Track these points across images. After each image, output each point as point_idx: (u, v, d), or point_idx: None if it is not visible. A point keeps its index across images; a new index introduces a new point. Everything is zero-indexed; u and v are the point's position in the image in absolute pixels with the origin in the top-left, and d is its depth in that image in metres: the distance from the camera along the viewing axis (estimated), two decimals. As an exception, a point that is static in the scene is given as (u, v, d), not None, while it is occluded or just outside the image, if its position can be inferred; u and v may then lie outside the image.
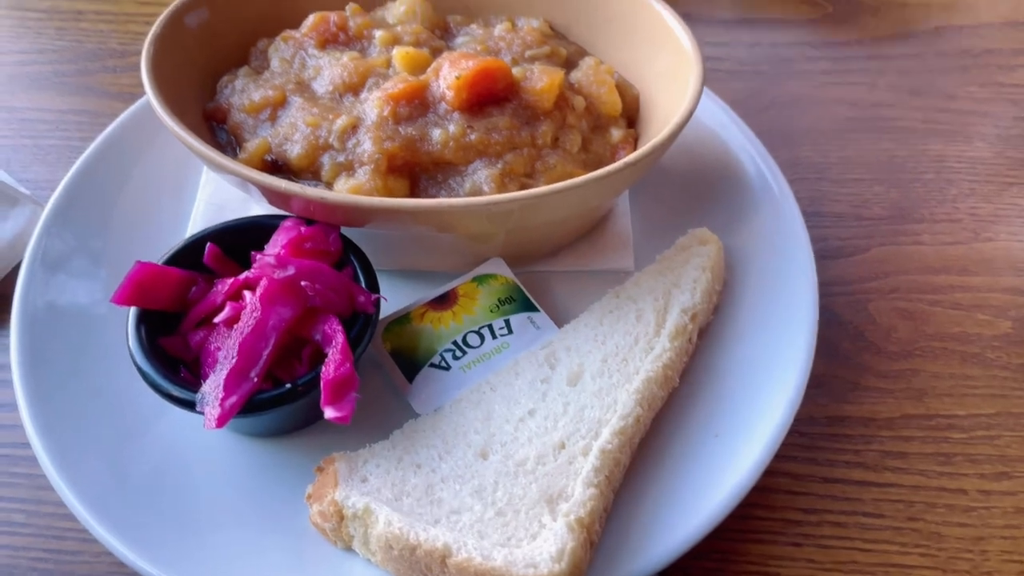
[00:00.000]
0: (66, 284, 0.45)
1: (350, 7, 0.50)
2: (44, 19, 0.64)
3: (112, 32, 0.63)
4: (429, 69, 0.45)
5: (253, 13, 0.50)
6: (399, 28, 0.48)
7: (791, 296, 0.45)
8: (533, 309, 0.44)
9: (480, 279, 0.45)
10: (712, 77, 0.56)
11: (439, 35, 0.50)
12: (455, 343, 0.43)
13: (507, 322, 0.44)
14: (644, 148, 0.41)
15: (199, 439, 0.41)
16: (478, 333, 0.43)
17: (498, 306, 0.44)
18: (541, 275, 0.47)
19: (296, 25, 0.50)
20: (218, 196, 0.48)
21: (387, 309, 0.43)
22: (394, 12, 0.50)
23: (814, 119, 0.59)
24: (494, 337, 0.43)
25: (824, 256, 0.51)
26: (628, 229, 0.49)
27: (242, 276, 0.40)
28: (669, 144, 0.42)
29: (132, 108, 0.52)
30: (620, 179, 0.41)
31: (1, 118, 0.58)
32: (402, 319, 0.44)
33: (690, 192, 0.51)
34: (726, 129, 0.53)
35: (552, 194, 0.39)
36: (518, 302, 0.45)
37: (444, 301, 0.44)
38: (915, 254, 0.52)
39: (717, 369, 0.43)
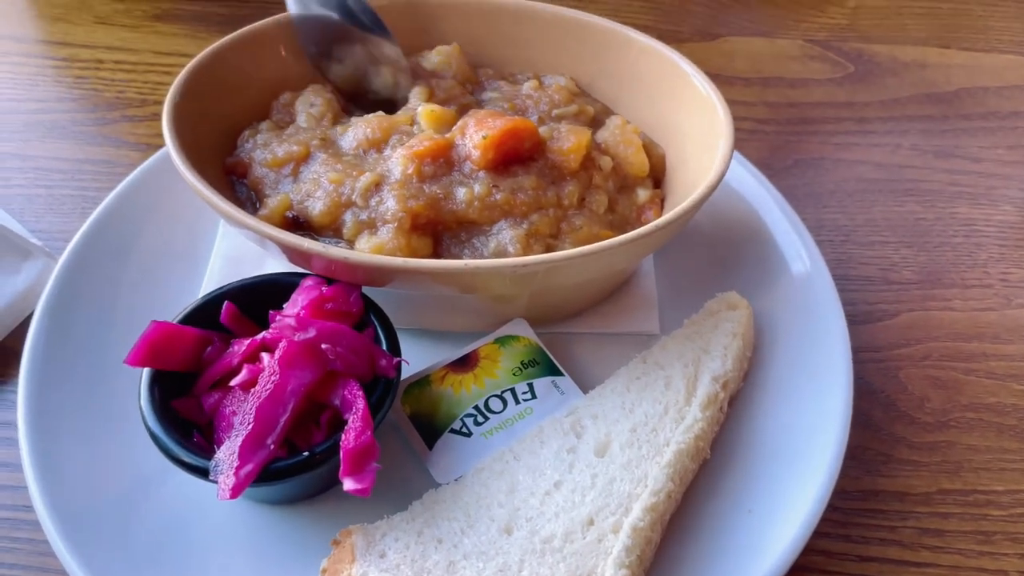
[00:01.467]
0: (77, 340, 0.44)
1: None
2: (63, 67, 0.64)
3: (131, 81, 0.62)
4: (455, 127, 0.44)
5: (276, 67, 0.50)
6: (433, 82, 0.48)
7: (824, 363, 0.43)
8: (557, 373, 0.43)
9: (502, 340, 0.44)
10: (735, 137, 0.55)
11: (469, 89, 0.49)
12: (476, 408, 0.41)
13: (530, 386, 0.42)
14: (672, 213, 0.40)
15: (209, 505, 0.39)
16: (500, 397, 0.42)
17: (521, 369, 0.43)
18: (565, 337, 0.46)
19: (319, 80, 0.49)
20: (235, 251, 0.47)
21: (407, 370, 0.42)
22: (430, 60, 0.49)
23: (838, 179, 0.58)
24: (517, 402, 0.42)
25: (853, 321, 0.49)
26: (653, 291, 0.48)
27: (260, 337, 0.39)
28: (697, 208, 0.41)
29: (149, 160, 0.52)
30: (647, 243, 0.40)
31: (15, 166, 0.57)
32: (422, 382, 0.43)
33: (716, 253, 0.50)
34: (752, 189, 0.52)
35: (578, 257, 0.38)
36: (542, 365, 0.43)
37: (465, 363, 0.43)
38: (946, 320, 0.51)
39: (749, 440, 0.42)
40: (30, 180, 0.56)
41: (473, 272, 0.38)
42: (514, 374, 0.43)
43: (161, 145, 0.51)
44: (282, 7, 0.50)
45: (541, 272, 0.39)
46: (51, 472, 0.39)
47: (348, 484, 0.35)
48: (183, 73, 0.46)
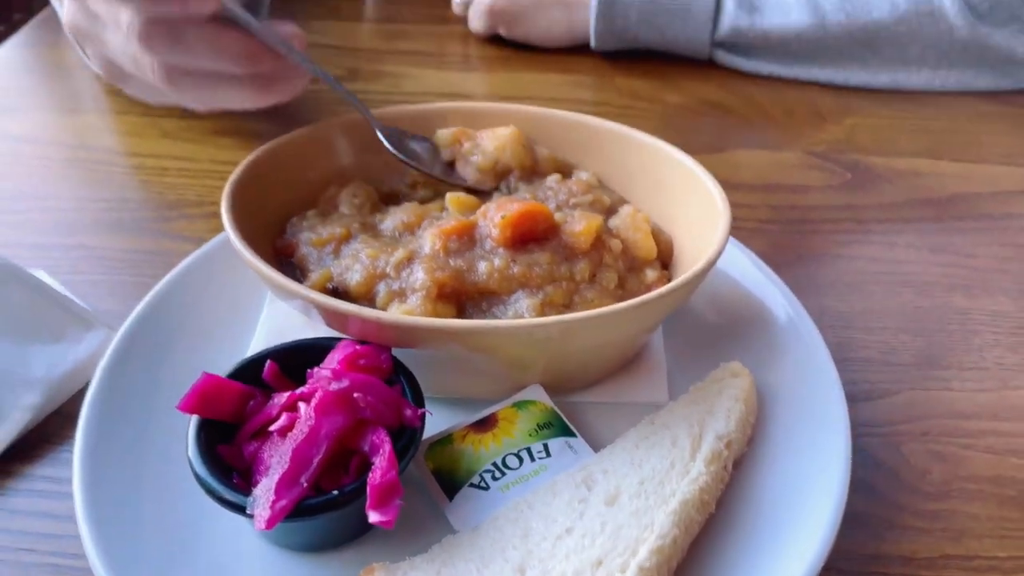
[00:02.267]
0: (130, 403, 0.48)
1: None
2: (130, 172, 0.71)
3: (190, 185, 0.69)
4: (479, 211, 0.49)
5: (323, 166, 0.56)
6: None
7: (824, 429, 0.46)
8: (571, 434, 0.46)
9: (520, 404, 0.47)
10: (738, 234, 0.60)
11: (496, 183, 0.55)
12: (494, 464, 0.44)
13: (545, 446, 0.45)
14: (676, 281, 0.44)
15: (247, 552, 0.42)
16: (517, 456, 0.45)
17: (537, 431, 0.46)
18: (578, 405, 0.49)
19: (365, 177, 0.55)
20: (279, 324, 0.52)
21: (431, 429, 0.45)
22: (484, 148, 0.55)
23: (838, 272, 0.62)
24: (532, 460, 0.45)
25: (855, 399, 0.52)
26: (663, 364, 0.51)
27: (298, 391, 0.43)
28: (701, 278, 0.46)
29: (205, 246, 0.57)
30: (654, 308, 0.44)
31: (81, 255, 0.63)
32: (444, 440, 0.46)
33: (722, 332, 0.53)
34: (754, 276, 0.56)
35: (590, 319, 0.42)
36: (556, 427, 0.46)
37: (485, 424, 0.46)
38: (945, 399, 0.53)
39: (752, 499, 0.44)
40: (94, 268, 0.62)
41: (493, 331, 0.42)
42: (530, 435, 0.46)
43: (215, 239, 0.57)
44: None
45: (555, 333, 0.43)
46: (102, 523, 0.42)
47: (373, 516, 0.38)
48: (240, 166, 0.52)
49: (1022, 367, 0.55)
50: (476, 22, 0.84)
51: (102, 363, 0.49)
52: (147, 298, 0.53)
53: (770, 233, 0.65)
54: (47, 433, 0.50)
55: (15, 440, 0.49)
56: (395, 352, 0.45)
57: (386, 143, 0.54)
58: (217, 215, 0.59)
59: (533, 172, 0.55)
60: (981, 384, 0.54)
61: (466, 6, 0.86)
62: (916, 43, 0.77)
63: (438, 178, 0.55)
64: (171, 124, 0.76)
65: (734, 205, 0.52)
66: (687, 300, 0.48)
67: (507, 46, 0.86)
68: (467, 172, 0.55)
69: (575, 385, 0.50)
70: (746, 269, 0.56)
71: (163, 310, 0.53)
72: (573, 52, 0.85)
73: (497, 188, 0.54)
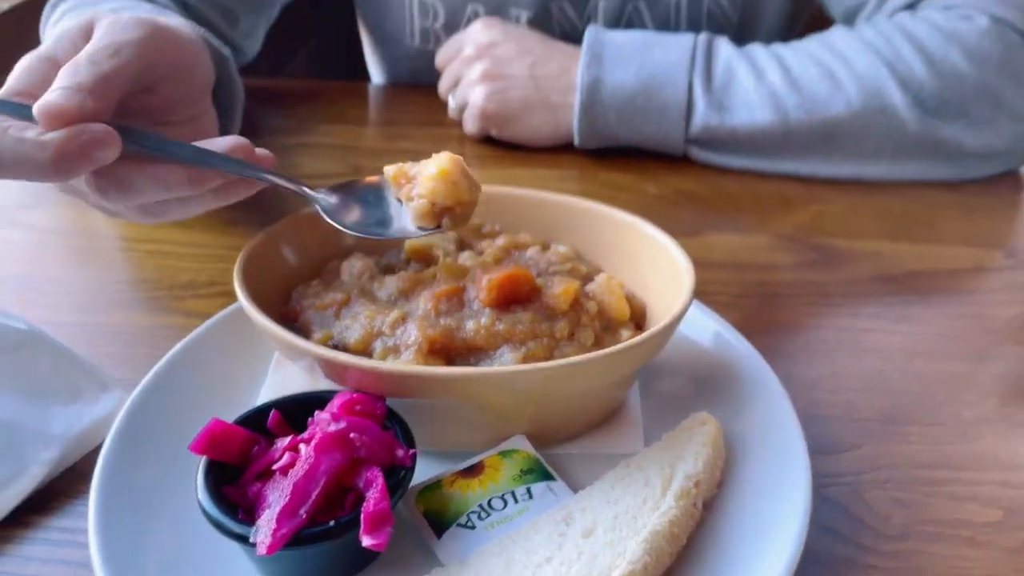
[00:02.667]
0: (144, 457, 0.52)
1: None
2: (146, 256, 0.77)
3: (203, 268, 0.75)
4: (467, 276, 0.54)
5: (326, 244, 0.62)
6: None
7: (787, 474, 0.49)
8: (552, 479, 0.49)
9: (504, 453, 0.51)
10: (712, 307, 0.64)
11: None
12: (480, 506, 0.48)
13: (528, 490, 0.49)
14: (648, 332, 0.49)
15: (245, 583, 0.45)
16: (502, 498, 0.48)
17: (520, 476, 0.49)
18: (559, 456, 0.53)
19: (364, 252, 0.61)
20: (283, 383, 0.56)
21: (423, 476, 0.49)
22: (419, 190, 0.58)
23: (805, 341, 0.67)
24: (516, 502, 0.48)
25: (819, 451, 0.55)
26: (639, 420, 0.55)
27: (300, 436, 0.46)
28: (670, 331, 0.50)
29: (214, 318, 0.62)
30: (628, 358, 0.49)
31: (96, 331, 0.68)
32: (434, 485, 0.49)
33: (693, 391, 0.57)
34: (724, 341, 0.60)
35: (568, 366, 0.47)
36: (538, 473, 0.50)
37: (472, 471, 0.50)
38: (907, 452, 0.57)
39: (721, 536, 0.47)
40: (109, 342, 0.67)
41: (479, 378, 0.47)
42: (514, 480, 0.49)
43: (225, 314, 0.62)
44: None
45: (537, 380, 0.47)
46: (117, 568, 0.45)
47: (366, 540, 0.41)
48: (252, 242, 0.57)
49: (978, 421, 0.59)
50: (470, 124, 0.91)
51: (117, 420, 0.53)
52: (160, 362, 0.57)
53: (741, 306, 0.69)
54: (63, 487, 0.54)
55: (32, 493, 0.52)
56: (389, 403, 0.49)
57: (324, 215, 0.57)
58: (227, 294, 0.64)
59: (478, 233, 0.62)
60: (941, 438, 0.58)
61: (460, 110, 0.93)
62: (872, 137, 0.84)
63: (378, 239, 0.57)
64: (187, 214, 0.82)
65: (708, 282, 0.57)
66: (658, 352, 0.52)
67: (499, 145, 0.94)
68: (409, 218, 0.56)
69: (557, 437, 0.53)
70: (717, 334, 0.61)
71: (175, 373, 0.57)
72: (559, 150, 0.93)
73: (439, 226, 0.55)
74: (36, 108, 0.48)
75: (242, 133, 0.72)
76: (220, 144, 0.53)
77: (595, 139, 0.90)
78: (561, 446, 0.53)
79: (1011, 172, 0.89)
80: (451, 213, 0.54)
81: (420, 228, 0.55)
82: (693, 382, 0.58)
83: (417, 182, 0.54)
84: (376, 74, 1.19)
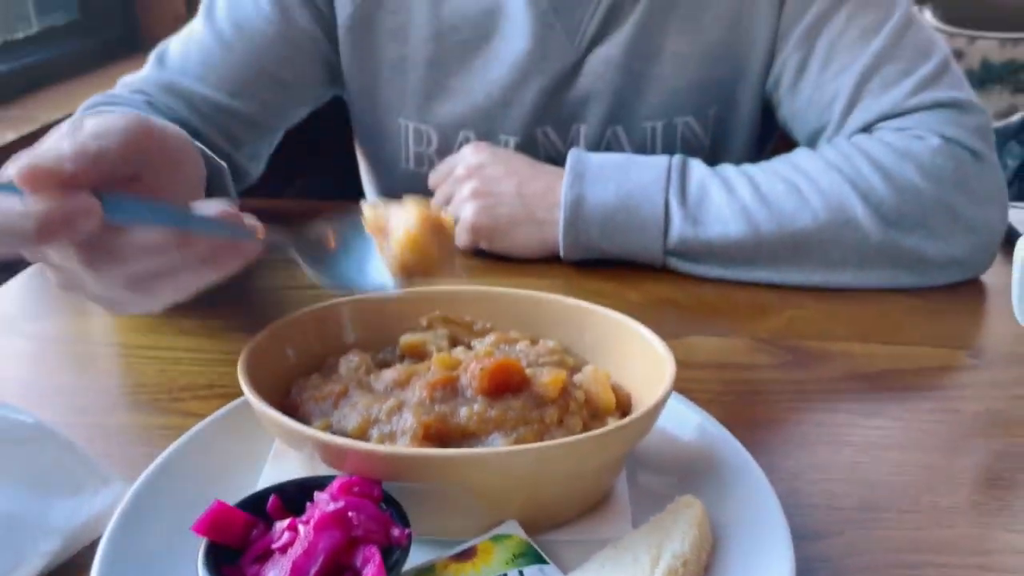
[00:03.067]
0: (142, 547, 0.53)
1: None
2: (147, 362, 0.79)
3: (202, 372, 0.77)
4: (460, 367, 0.57)
5: (324, 341, 0.65)
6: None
7: (772, 559, 0.51)
8: (544, 562, 0.51)
9: (496, 538, 0.52)
10: (692, 403, 0.67)
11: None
12: (472, 588, 0.49)
13: (520, 572, 0.50)
14: (633, 416, 0.52)
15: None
16: (493, 583, 0.49)
17: (512, 559, 0.51)
18: (551, 542, 0.54)
19: (360, 348, 0.64)
20: (282, 474, 0.58)
21: (417, 559, 0.50)
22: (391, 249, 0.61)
23: (785, 435, 0.69)
24: (508, 584, 0.49)
25: (802, 538, 0.57)
26: (627, 507, 0.57)
27: (299, 519, 0.48)
28: (654, 414, 0.53)
29: (214, 415, 0.64)
30: (615, 439, 0.51)
31: (95, 431, 0.69)
32: (428, 570, 0.50)
33: (678, 480, 0.59)
34: (708, 432, 0.63)
35: (557, 446, 0.49)
36: (530, 556, 0.51)
37: (465, 555, 0.51)
38: (886, 537, 0.58)
39: (709, 616, 0.48)
40: (109, 443, 0.68)
41: (473, 459, 0.49)
42: (507, 563, 0.50)
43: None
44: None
45: (527, 460, 0.49)
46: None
47: (364, 608, 0.42)
48: (255, 339, 0.60)
49: (953, 509, 0.61)
50: (461, 238, 0.97)
51: (119, 509, 0.54)
52: (161, 455, 0.59)
53: (723, 403, 0.72)
54: (60, 579, 0.54)
55: (30, 584, 0.53)
56: (385, 488, 0.51)
57: (303, 264, 0.61)
58: (225, 396, 0.66)
59: (470, 330, 0.66)
60: (918, 524, 0.60)
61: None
62: (838, 248, 0.90)
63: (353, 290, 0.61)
64: (188, 323, 0.85)
65: (690, 381, 0.60)
66: (643, 435, 0.55)
67: (489, 258, 0.98)
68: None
69: (548, 523, 0.55)
70: (700, 427, 0.64)
71: (175, 466, 0.59)
72: (546, 262, 0.97)
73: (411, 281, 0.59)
74: (16, 167, 0.50)
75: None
76: (208, 208, 0.56)
77: (579, 252, 0.95)
78: (552, 532, 0.55)
79: (973, 280, 0.94)
80: (425, 271, 0.57)
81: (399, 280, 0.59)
82: (678, 472, 0.60)
83: (390, 239, 0.57)
84: (371, 194, 1.26)
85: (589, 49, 1.05)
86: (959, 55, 3.01)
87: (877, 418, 0.72)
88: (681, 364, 0.59)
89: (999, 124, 1.83)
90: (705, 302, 0.91)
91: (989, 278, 0.94)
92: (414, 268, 0.58)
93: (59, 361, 0.81)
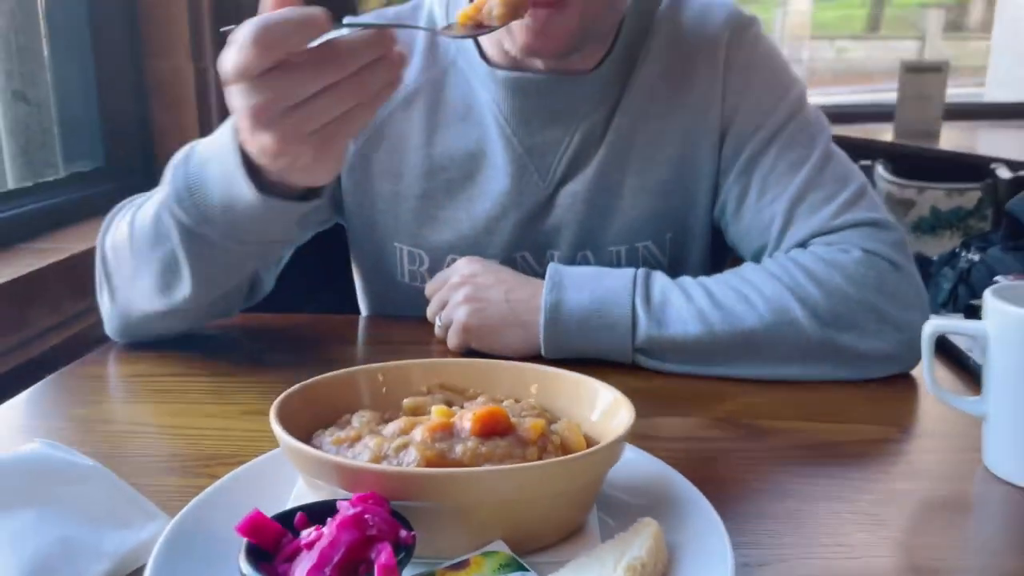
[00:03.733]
0: (182, 573, 0.62)
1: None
2: (176, 438, 0.90)
3: (226, 445, 0.87)
4: (456, 415, 0.69)
5: (339, 401, 0.76)
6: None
7: (714, 564, 0.61)
8: (526, 570, 0.60)
9: (486, 553, 0.62)
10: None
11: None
12: (467, 588, 0.58)
13: (506, 577, 0.60)
14: (600, 444, 0.63)
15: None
16: (484, 584, 0.59)
17: (500, 568, 0.60)
18: (531, 563, 0.64)
19: (370, 408, 0.75)
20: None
21: (418, 568, 0.60)
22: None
23: (735, 488, 0.79)
24: (496, 585, 0.59)
25: (744, 564, 0.67)
26: (597, 536, 0.67)
27: (322, 527, 0.58)
28: (620, 443, 0.65)
29: (239, 468, 0.74)
30: (586, 462, 0.63)
31: (139, 490, 0.79)
32: (429, 575, 0.60)
33: (640, 514, 0.70)
34: (667, 476, 0.74)
35: (534, 467, 0.60)
36: (514, 566, 0.61)
37: (459, 566, 0.61)
38: (816, 565, 0.68)
39: (665, 609, 0.58)
40: (150, 497, 0.78)
41: (466, 477, 0.60)
42: (494, 571, 0.60)
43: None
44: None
45: (513, 478, 0.60)
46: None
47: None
48: (283, 395, 0.72)
49: (868, 544, 0.71)
50: (453, 339, 1.09)
51: (161, 539, 0.64)
52: (197, 497, 0.69)
53: (682, 465, 0.82)
54: (109, 597, 0.63)
55: (84, 599, 0.62)
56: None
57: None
58: (248, 462, 0.76)
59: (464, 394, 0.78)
60: (844, 555, 0.70)
61: (446, 329, 1.11)
62: (783, 345, 1.03)
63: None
64: (212, 407, 0.96)
65: (654, 449, 0.72)
66: (608, 464, 0.66)
67: (478, 356, 1.10)
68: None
69: (530, 546, 0.65)
70: (660, 472, 0.75)
71: (209, 504, 0.69)
72: (529, 359, 1.10)
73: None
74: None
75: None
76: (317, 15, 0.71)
77: (559, 350, 1.08)
78: (533, 555, 0.65)
79: (904, 373, 1.07)
80: None
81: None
82: (640, 508, 0.70)
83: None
84: (365, 309, 1.40)
85: (559, 186, 1.22)
86: (911, 204, 3.27)
87: (817, 477, 0.83)
88: (646, 437, 0.72)
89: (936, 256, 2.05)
90: (669, 390, 1.03)
91: (918, 370, 1.07)
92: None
93: (98, 437, 0.91)
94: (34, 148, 2.23)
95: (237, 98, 0.74)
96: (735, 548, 0.64)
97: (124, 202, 1.14)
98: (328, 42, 0.70)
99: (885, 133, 3.89)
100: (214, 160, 0.89)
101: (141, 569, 0.63)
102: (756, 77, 1.19)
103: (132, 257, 1.03)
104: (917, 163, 3.45)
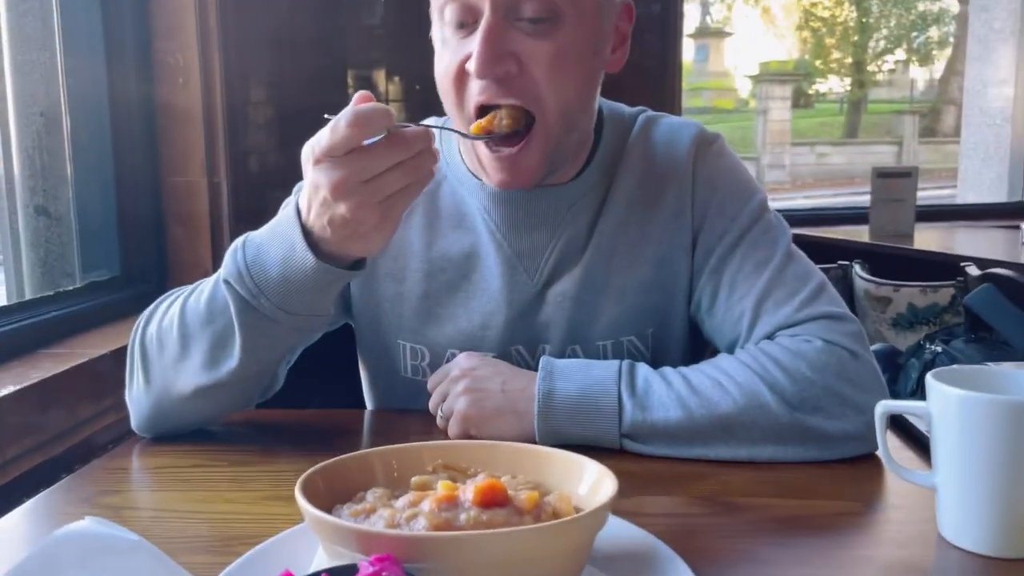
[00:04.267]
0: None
1: None
2: (201, 523, 0.98)
3: (247, 527, 0.95)
4: (460, 490, 0.78)
5: (353, 482, 0.85)
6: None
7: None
8: (523, 623, 0.69)
9: (488, 610, 0.70)
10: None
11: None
12: (472, 638, 0.66)
13: (506, 629, 0.68)
14: (586, 511, 0.72)
15: None
16: (487, 634, 0.67)
17: (500, 622, 0.69)
18: (529, 617, 0.72)
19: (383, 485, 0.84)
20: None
21: (428, 621, 0.68)
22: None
23: (711, 555, 0.88)
24: (498, 635, 0.67)
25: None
26: (586, 596, 0.75)
27: (344, 585, 0.66)
28: (605, 510, 0.74)
29: (265, 543, 0.83)
30: (574, 526, 0.72)
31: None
32: (438, 629, 0.68)
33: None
34: (648, 542, 0.82)
35: (530, 530, 0.69)
36: (513, 619, 0.69)
37: (465, 620, 0.69)
38: (788, 620, 0.76)
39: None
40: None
41: (469, 539, 0.69)
42: (496, 624, 0.68)
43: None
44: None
45: (511, 539, 0.69)
46: None
47: (396, 625, 0.60)
48: (307, 472, 0.81)
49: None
50: (454, 427, 1.18)
51: (199, 602, 0.72)
52: (228, 567, 0.77)
53: (666, 536, 0.91)
54: (150, 656, 0.70)
55: (129, 657, 0.69)
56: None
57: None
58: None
59: (465, 473, 0.87)
60: (812, 609, 0.78)
61: (446, 420, 1.21)
62: (756, 428, 1.12)
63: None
64: (232, 494, 1.05)
65: (642, 523, 0.81)
66: (594, 530, 0.75)
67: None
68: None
69: (526, 602, 0.73)
70: (644, 540, 0.83)
71: (241, 574, 0.77)
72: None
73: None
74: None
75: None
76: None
77: (551, 437, 1.17)
78: (529, 611, 0.73)
79: (868, 453, 1.16)
80: None
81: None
82: (627, 574, 0.79)
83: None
84: (370, 404, 1.49)
85: (547, 286, 1.34)
86: (888, 302, 3.41)
87: (787, 547, 0.91)
88: (633, 513, 0.81)
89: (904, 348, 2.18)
90: (654, 472, 1.11)
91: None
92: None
93: (129, 523, 0.98)
94: (53, 259, 2.36)
95: (321, 175, 0.93)
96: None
97: (161, 298, 1.25)
98: (390, 133, 0.92)
99: (862, 234, 4.07)
100: (274, 240, 1.06)
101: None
102: (721, 187, 1.33)
103: (181, 337, 1.15)
104: (892, 263, 3.61)
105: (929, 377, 0.91)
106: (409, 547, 0.70)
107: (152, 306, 1.25)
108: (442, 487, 0.80)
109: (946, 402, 0.89)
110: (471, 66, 1.14)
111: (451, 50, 1.19)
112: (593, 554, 0.80)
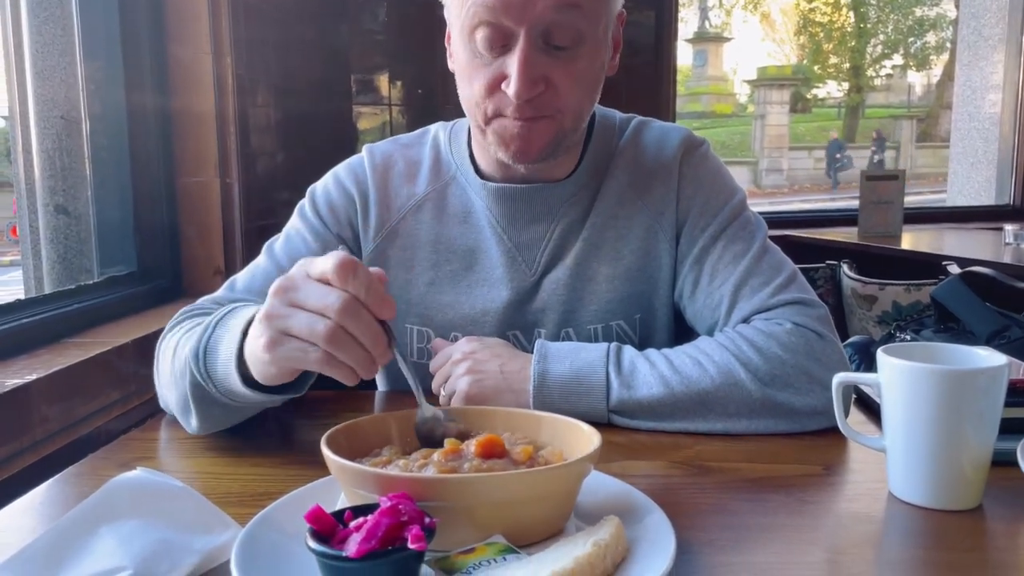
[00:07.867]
0: (252, 566, 0.81)
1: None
2: (232, 481, 1.09)
3: (274, 484, 1.07)
4: (464, 445, 0.89)
5: (371, 440, 0.97)
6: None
7: (659, 560, 0.81)
8: (519, 553, 0.80)
9: (488, 543, 0.82)
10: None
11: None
12: (473, 564, 0.78)
13: (504, 557, 0.79)
14: (572, 459, 0.83)
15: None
16: (488, 560, 0.78)
17: (499, 552, 0.80)
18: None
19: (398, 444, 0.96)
20: (344, 515, 0.87)
21: (436, 555, 0.79)
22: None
23: (687, 508, 0.99)
24: (497, 562, 0.78)
25: (689, 552, 0.87)
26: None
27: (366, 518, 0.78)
28: (593, 457, 0.85)
29: (292, 492, 0.94)
30: (560, 472, 0.83)
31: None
32: (445, 557, 0.79)
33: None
34: (629, 492, 0.94)
35: (521, 473, 0.81)
36: (510, 550, 0.80)
37: (468, 551, 0.80)
38: (749, 562, 0.88)
39: (623, 576, 0.77)
40: (212, 524, 0.97)
41: (470, 480, 0.80)
42: (495, 554, 0.80)
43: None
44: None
45: (509, 481, 0.80)
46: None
47: (412, 544, 0.71)
48: (332, 429, 0.92)
49: (804, 545, 0.91)
50: (455, 405, 1.30)
51: (237, 540, 0.83)
52: (259, 513, 0.89)
53: (647, 492, 1.03)
54: (198, 582, 0.82)
55: (181, 582, 0.81)
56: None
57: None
58: (295, 488, 0.96)
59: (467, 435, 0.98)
60: (775, 549, 0.89)
61: (449, 398, 1.32)
62: (731, 403, 1.24)
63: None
64: (257, 459, 1.16)
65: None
66: (581, 476, 0.86)
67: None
68: None
69: (521, 543, 0.84)
70: (624, 490, 0.94)
71: (270, 518, 0.88)
72: (519, 421, 1.29)
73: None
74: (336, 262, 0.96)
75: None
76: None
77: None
78: (524, 549, 0.84)
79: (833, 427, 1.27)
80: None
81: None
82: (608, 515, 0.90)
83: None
84: (381, 384, 1.61)
85: (543, 275, 1.46)
86: (873, 300, 3.53)
87: (753, 502, 1.02)
88: (618, 476, 0.92)
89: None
90: (638, 443, 1.23)
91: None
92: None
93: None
94: (72, 256, 2.47)
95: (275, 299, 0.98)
96: (685, 545, 0.84)
97: (185, 310, 1.36)
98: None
99: (852, 235, 4.19)
100: (225, 340, 1.08)
101: (220, 565, 0.83)
102: (705, 186, 1.45)
103: (170, 372, 1.25)
104: (879, 263, 3.73)
105: (879, 352, 1.03)
106: (421, 487, 0.81)
107: (175, 319, 1.35)
108: (447, 443, 0.91)
109: (892, 372, 1.00)
110: (508, 88, 1.22)
111: (483, 64, 1.27)
112: (579, 508, 0.91)
